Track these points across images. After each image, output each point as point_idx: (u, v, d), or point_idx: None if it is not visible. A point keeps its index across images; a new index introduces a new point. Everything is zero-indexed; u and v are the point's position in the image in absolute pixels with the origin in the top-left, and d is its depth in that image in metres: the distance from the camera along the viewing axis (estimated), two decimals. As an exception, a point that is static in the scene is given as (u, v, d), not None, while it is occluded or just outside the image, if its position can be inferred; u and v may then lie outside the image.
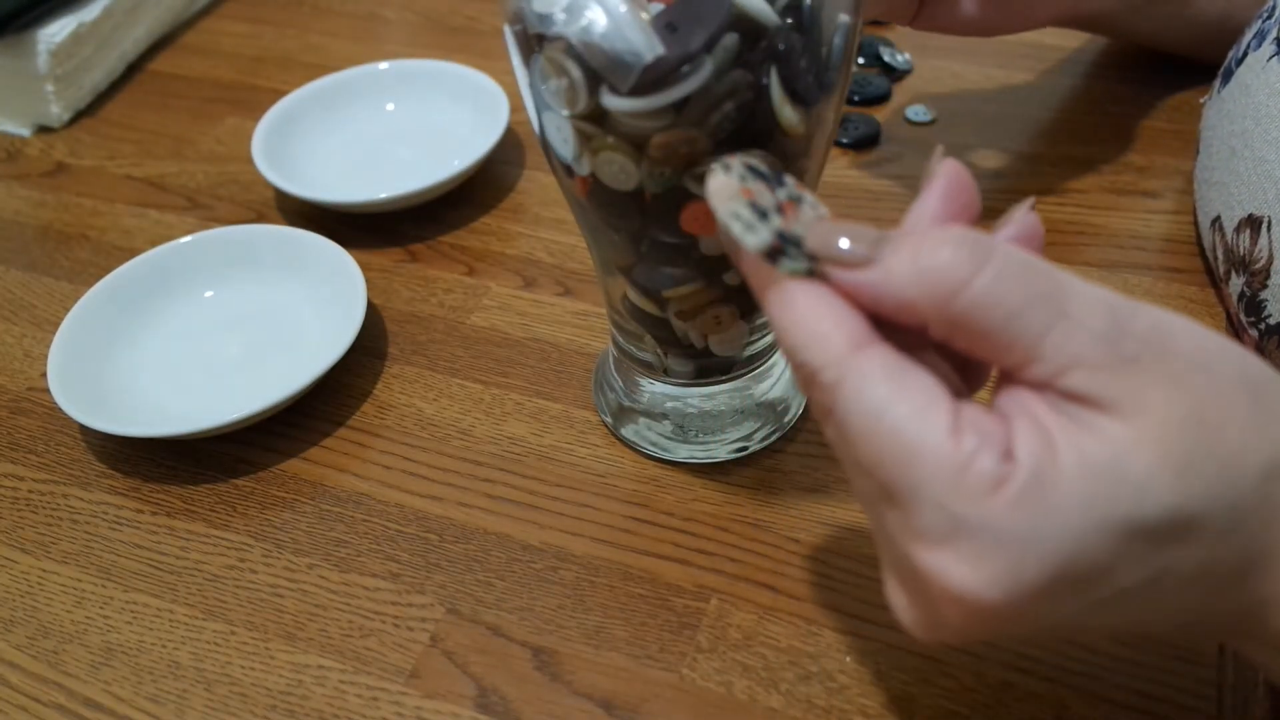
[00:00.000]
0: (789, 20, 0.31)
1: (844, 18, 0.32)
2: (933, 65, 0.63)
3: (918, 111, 0.59)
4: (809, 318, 0.26)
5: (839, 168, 0.57)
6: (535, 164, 0.60)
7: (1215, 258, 0.46)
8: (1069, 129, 0.58)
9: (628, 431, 0.44)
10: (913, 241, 0.26)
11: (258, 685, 0.38)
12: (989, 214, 0.55)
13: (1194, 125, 0.57)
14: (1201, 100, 0.51)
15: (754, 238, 0.27)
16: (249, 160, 0.58)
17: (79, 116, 0.68)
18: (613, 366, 0.44)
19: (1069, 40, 0.64)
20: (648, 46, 0.30)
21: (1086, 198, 0.53)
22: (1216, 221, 0.45)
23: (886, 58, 0.63)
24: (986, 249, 0.25)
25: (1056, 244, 0.51)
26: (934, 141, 0.58)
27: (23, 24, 0.64)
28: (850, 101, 0.60)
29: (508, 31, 0.34)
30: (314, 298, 0.50)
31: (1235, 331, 0.46)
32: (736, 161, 0.29)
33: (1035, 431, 0.25)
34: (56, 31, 0.65)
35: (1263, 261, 0.42)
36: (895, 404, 0.25)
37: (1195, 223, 0.50)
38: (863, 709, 0.35)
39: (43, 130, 0.67)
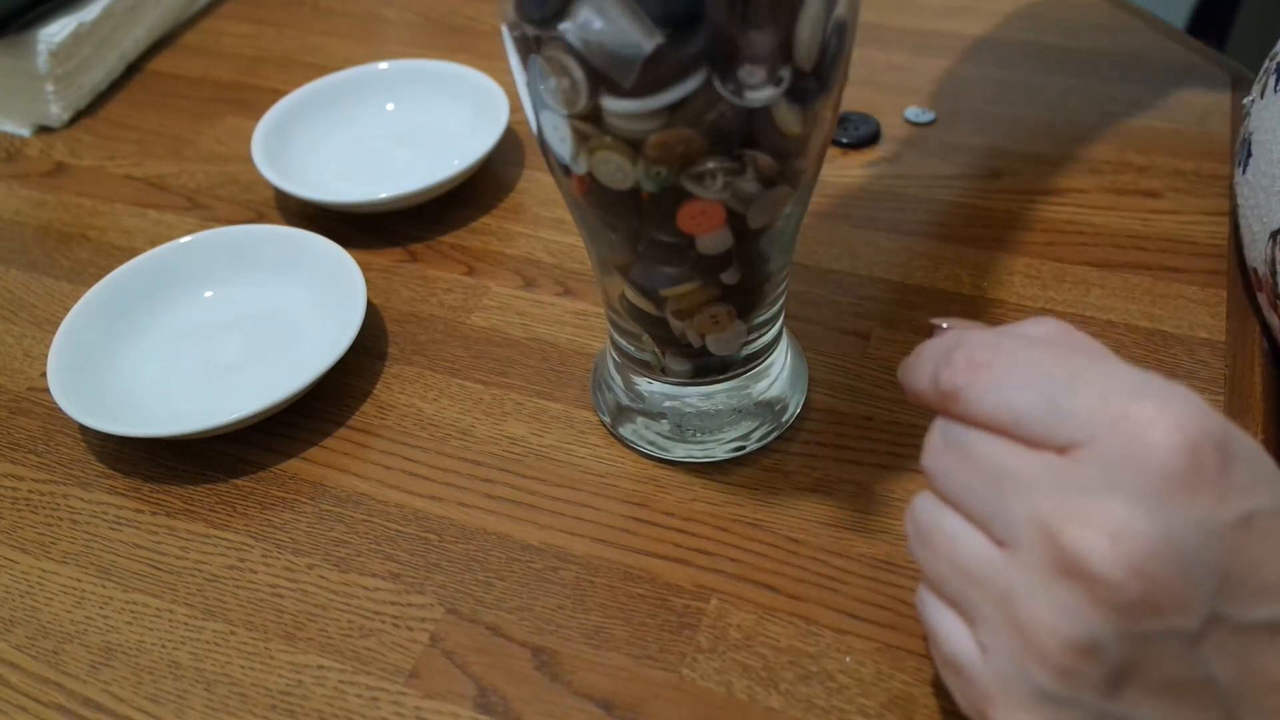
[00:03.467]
0: (787, 20, 0.31)
1: (840, 16, 0.32)
2: (933, 65, 0.63)
3: (917, 112, 0.59)
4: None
5: (838, 168, 0.57)
6: (535, 164, 0.60)
7: (1274, 272, 0.43)
8: (1069, 129, 0.58)
9: (626, 431, 0.44)
10: None
11: (258, 685, 0.38)
12: (990, 213, 0.55)
13: (1194, 125, 0.57)
14: (1245, 100, 0.50)
15: None
16: (249, 160, 0.58)
17: (79, 116, 0.68)
18: (611, 366, 0.44)
19: (1069, 40, 0.64)
20: (646, 37, 0.30)
21: (1086, 198, 0.53)
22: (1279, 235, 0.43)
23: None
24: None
25: (1056, 244, 0.51)
26: (934, 141, 0.58)
27: (23, 24, 0.64)
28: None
29: (506, 33, 0.34)
30: (314, 298, 0.50)
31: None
32: None
33: None
34: (56, 31, 0.65)
35: None
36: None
37: (1234, 231, 0.49)
38: (862, 709, 0.35)
39: (43, 130, 0.67)
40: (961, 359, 0.29)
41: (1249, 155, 0.47)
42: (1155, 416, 0.26)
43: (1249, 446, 0.27)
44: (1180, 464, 0.25)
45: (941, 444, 0.30)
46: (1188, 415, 0.26)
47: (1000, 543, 0.28)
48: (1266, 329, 0.46)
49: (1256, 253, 0.45)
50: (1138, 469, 0.25)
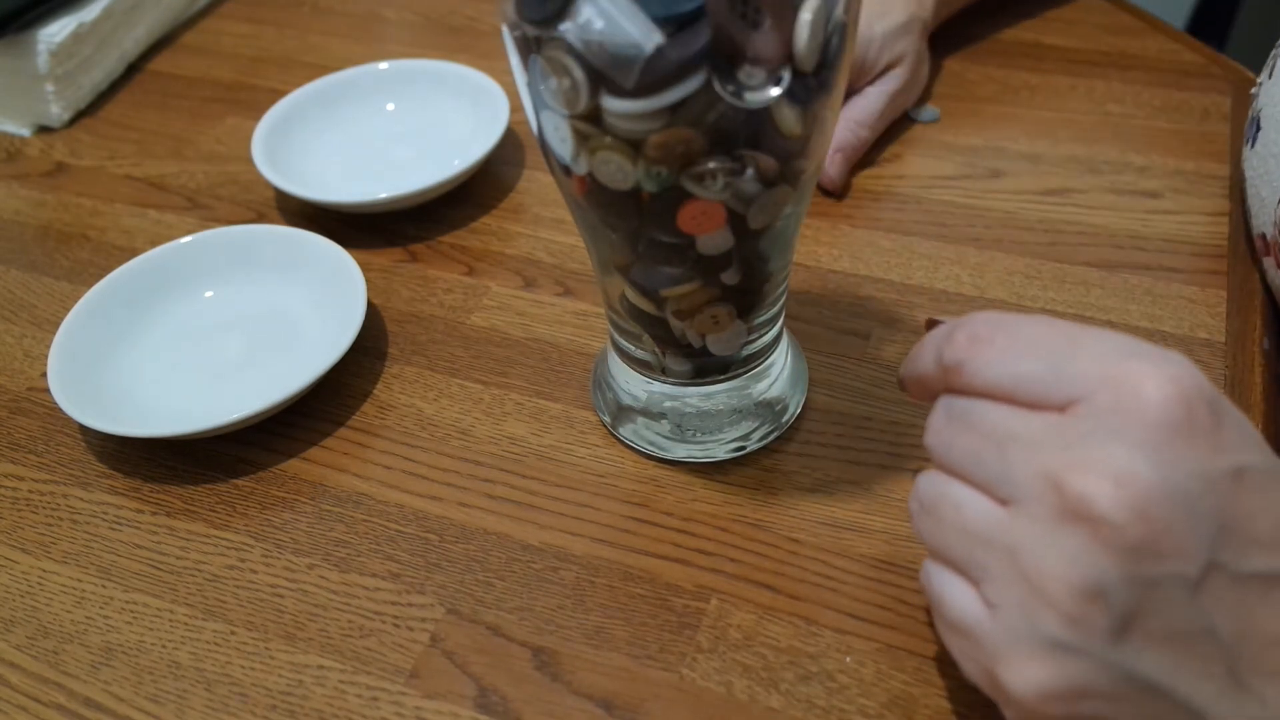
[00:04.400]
0: (788, 20, 0.31)
1: (840, 17, 0.32)
2: (933, 65, 0.63)
3: (921, 111, 0.59)
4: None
5: (839, 167, 0.57)
6: (535, 164, 0.60)
7: None
8: (1069, 129, 0.58)
9: (626, 431, 0.44)
10: None
11: (258, 685, 0.38)
12: (990, 213, 0.55)
13: (1194, 125, 0.57)
14: (1254, 87, 0.50)
15: None
16: (249, 160, 0.58)
17: (79, 116, 0.68)
18: (611, 366, 0.44)
19: (1069, 40, 0.64)
20: (646, 37, 0.30)
21: (1086, 198, 0.53)
22: None
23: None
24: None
25: (1057, 244, 0.51)
26: (934, 141, 0.58)
27: (23, 24, 0.64)
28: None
29: (506, 33, 0.34)
30: (314, 298, 0.50)
31: None
32: None
33: None
34: (56, 31, 0.65)
35: None
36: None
37: (1233, 217, 0.50)
38: (863, 709, 0.35)
39: (43, 130, 0.67)
40: (963, 336, 0.30)
41: (1258, 130, 0.48)
42: (1150, 371, 0.27)
43: (1236, 411, 0.28)
44: (1175, 414, 0.26)
45: (944, 420, 0.31)
46: (1181, 371, 0.27)
47: (1005, 502, 0.28)
48: (1271, 295, 0.46)
49: (1265, 217, 0.46)
50: (1135, 420, 0.26)
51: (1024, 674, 0.27)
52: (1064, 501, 0.27)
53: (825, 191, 0.55)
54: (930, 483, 0.31)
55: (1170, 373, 0.27)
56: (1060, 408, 0.28)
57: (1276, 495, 0.27)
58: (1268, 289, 0.47)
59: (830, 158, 0.54)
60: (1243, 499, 0.27)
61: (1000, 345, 0.29)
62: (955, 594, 0.30)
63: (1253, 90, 0.51)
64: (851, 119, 0.55)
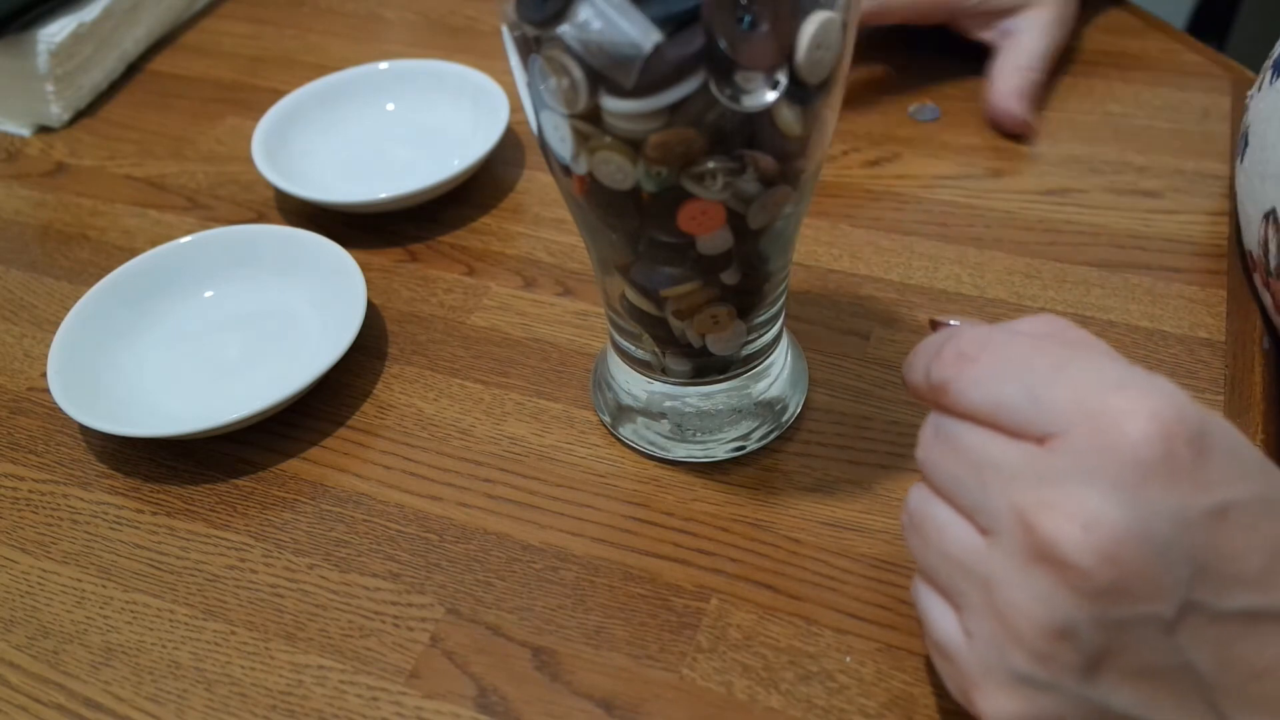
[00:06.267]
0: (788, 20, 0.31)
1: (840, 17, 0.32)
2: (933, 65, 0.63)
3: (921, 110, 0.59)
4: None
5: (838, 167, 0.57)
6: (535, 164, 0.60)
7: (1266, 252, 0.45)
8: (1069, 129, 0.58)
9: (626, 431, 0.44)
10: None
11: (258, 685, 0.38)
12: (990, 213, 0.55)
13: (1194, 125, 0.57)
14: (1247, 95, 0.50)
15: None
16: (249, 160, 0.58)
17: (79, 116, 0.68)
18: (611, 366, 0.44)
19: (1069, 40, 0.64)
20: (644, 37, 0.30)
21: (1086, 198, 0.53)
22: (1271, 215, 0.44)
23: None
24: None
25: (1057, 244, 0.51)
26: (934, 141, 0.58)
27: (23, 24, 0.64)
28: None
29: (506, 33, 0.34)
30: (314, 298, 0.50)
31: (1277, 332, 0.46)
32: None
33: None
34: (56, 31, 0.65)
35: None
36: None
37: (1232, 219, 0.50)
38: (862, 709, 0.35)
39: (43, 130, 0.67)
40: (950, 353, 0.30)
41: (1246, 145, 0.48)
42: (1130, 408, 0.26)
43: (1230, 438, 0.27)
44: (1152, 453, 0.26)
45: (933, 436, 0.30)
46: (1162, 406, 0.26)
47: (984, 531, 0.28)
48: (1263, 310, 0.46)
49: (1251, 235, 0.46)
50: (1111, 459, 0.26)
51: (996, 704, 0.28)
52: (1033, 541, 0.26)
53: (1011, 137, 0.57)
54: (919, 499, 0.31)
55: (1151, 407, 0.26)
56: (1039, 439, 0.27)
57: (1266, 529, 0.26)
58: (1260, 304, 0.47)
59: (1008, 100, 0.56)
60: (1225, 537, 0.26)
61: (985, 366, 0.29)
62: (938, 616, 0.30)
63: (1250, 92, 0.51)
64: (1018, 65, 0.57)
